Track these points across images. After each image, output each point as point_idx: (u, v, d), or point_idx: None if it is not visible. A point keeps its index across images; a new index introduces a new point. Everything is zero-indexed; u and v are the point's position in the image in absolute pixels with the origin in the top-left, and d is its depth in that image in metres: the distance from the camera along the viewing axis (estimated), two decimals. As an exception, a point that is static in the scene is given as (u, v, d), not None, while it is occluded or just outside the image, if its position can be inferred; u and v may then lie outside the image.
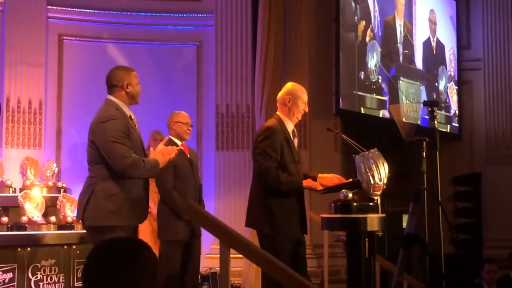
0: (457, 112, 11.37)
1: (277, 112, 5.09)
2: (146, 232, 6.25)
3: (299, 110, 5.01)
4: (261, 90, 8.32)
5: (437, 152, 5.68)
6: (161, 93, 8.64)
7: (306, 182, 4.90)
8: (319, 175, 5.03)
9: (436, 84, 11.01)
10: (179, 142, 5.83)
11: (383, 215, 4.67)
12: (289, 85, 5.18)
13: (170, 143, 5.70)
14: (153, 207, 5.96)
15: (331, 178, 4.99)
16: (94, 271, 1.98)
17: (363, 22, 9.32)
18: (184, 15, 9.06)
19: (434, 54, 11.12)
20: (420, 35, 10.79)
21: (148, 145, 6.45)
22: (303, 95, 5.06)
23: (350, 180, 4.78)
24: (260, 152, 4.86)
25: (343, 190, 4.60)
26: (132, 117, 4.66)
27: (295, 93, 5.04)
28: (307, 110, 5.12)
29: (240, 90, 8.70)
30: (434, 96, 10.63)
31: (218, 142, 8.64)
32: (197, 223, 5.22)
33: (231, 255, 3.26)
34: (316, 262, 7.97)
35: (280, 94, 5.16)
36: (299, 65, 8.76)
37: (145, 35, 8.89)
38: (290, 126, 5.02)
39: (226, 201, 8.40)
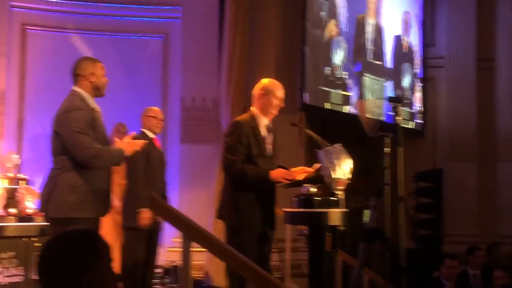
0: (420, 109, 11.49)
1: (251, 107, 5.10)
2: (109, 225, 6.22)
3: (272, 105, 5.00)
4: (227, 83, 8.32)
5: (401, 148, 5.76)
6: (126, 86, 8.57)
7: (277, 172, 4.86)
8: (291, 169, 5.03)
9: (401, 81, 11.11)
10: (152, 135, 6.04)
11: (346, 209, 4.70)
12: (264, 80, 5.18)
13: (143, 136, 5.83)
14: (115, 200, 5.95)
15: (301, 170, 4.98)
16: (47, 263, 1.98)
17: (330, 18, 9.36)
18: (151, 7, 8.99)
19: (404, 52, 11.23)
20: (391, 33, 10.87)
21: (111, 137, 6.44)
22: (277, 91, 5.05)
23: (314, 169, 4.78)
24: (226, 146, 4.88)
25: (306, 185, 4.62)
26: (97, 109, 4.63)
27: (267, 88, 5.04)
28: (282, 105, 5.11)
29: (206, 84, 8.68)
30: (399, 93, 10.74)
31: (183, 135, 8.62)
32: (158, 216, 5.21)
33: (194, 249, 3.26)
34: (278, 256, 7.99)
35: (254, 89, 5.16)
36: (265, 59, 8.76)
37: (110, 26, 8.81)
38: (264, 121, 5.01)
39: (190, 194, 8.38)
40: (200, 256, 6.77)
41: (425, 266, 8.38)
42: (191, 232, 3.16)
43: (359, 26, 10.03)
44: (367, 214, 9.23)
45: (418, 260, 8.76)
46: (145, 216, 5.70)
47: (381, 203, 4.19)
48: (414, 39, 11.51)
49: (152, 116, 6.15)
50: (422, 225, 10.65)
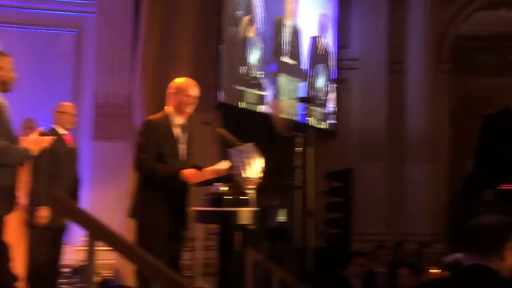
0: (334, 109, 11.70)
1: (165, 106, 5.07)
2: (14, 223, 6.06)
3: (184, 103, 4.98)
4: (141, 80, 8.24)
5: (311, 148, 5.85)
6: (36, 80, 8.36)
7: (189, 172, 4.85)
8: (203, 169, 5.02)
9: (316, 81, 11.28)
10: (63, 131, 5.97)
11: (256, 208, 4.73)
12: (178, 79, 5.17)
13: (51, 132, 5.74)
14: (22, 198, 5.80)
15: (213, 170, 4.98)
16: None
17: (246, 17, 9.41)
18: (64, 0, 8.80)
19: (319, 54, 11.39)
20: (307, 34, 11.01)
21: (19, 133, 6.30)
22: (191, 89, 5.03)
23: (225, 167, 4.79)
24: (138, 145, 4.85)
25: (217, 184, 4.63)
26: (4, 104, 4.50)
27: (180, 87, 5.02)
28: (196, 103, 5.10)
29: (120, 80, 8.56)
30: (313, 94, 10.89)
31: (95, 132, 8.47)
32: (60, 214, 5.11)
33: (104, 248, 3.22)
34: (189, 255, 7.97)
35: (168, 87, 5.14)
36: (180, 56, 8.71)
37: (21, 18, 8.55)
38: (178, 120, 4.98)
39: (102, 192, 8.25)
40: (110, 255, 6.67)
41: (334, 264, 8.54)
42: (96, 231, 3.12)
43: (276, 27, 10.12)
44: (283, 214, 9.37)
45: (328, 258, 8.92)
46: (43, 214, 5.62)
47: (288, 202, 4.24)
48: (330, 41, 11.71)
49: (64, 112, 6.05)
50: (332, 224, 10.86)
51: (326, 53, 11.60)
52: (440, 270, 6.70)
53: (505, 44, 13.17)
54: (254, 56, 9.49)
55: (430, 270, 6.59)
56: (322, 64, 11.48)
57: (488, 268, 2.58)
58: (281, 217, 9.26)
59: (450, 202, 11.96)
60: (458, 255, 8.47)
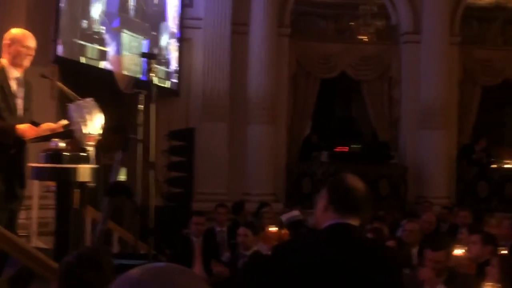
0: (177, 68, 11.62)
1: (1, 59, 4.79)
2: None
3: (20, 55, 4.76)
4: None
5: (153, 105, 5.79)
6: None
7: (25, 127, 4.64)
8: (41, 125, 4.82)
9: (159, 39, 11.12)
10: None
11: (96, 166, 4.62)
12: (13, 30, 4.90)
13: None
14: None
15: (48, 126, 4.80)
16: None
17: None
18: None
19: (163, 11, 11.21)
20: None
21: None
22: (26, 40, 4.80)
23: (63, 124, 4.64)
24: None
25: (55, 139, 4.46)
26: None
27: (15, 38, 4.79)
28: (32, 55, 4.86)
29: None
30: (156, 51, 10.74)
31: None
32: None
33: None
34: (24, 214, 7.67)
35: (3, 38, 4.86)
36: (15, 7, 8.24)
37: None
38: (14, 74, 4.75)
39: None
40: None
41: (175, 223, 8.57)
42: None
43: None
44: (123, 172, 9.20)
45: (168, 217, 8.94)
46: None
47: (128, 158, 4.17)
48: (175, -1, 11.56)
49: None
50: (174, 183, 10.86)
51: (170, 11, 11.44)
52: (277, 229, 6.91)
53: (342, 11, 13.65)
54: (96, 10, 9.18)
55: (268, 229, 6.77)
56: (166, 22, 11.32)
57: (349, 226, 2.72)
58: (122, 175, 9.11)
59: (288, 163, 12.34)
60: (294, 213, 8.81)
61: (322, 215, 2.78)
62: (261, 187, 11.44)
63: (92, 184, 4.65)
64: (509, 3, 13.92)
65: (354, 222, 2.75)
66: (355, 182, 2.79)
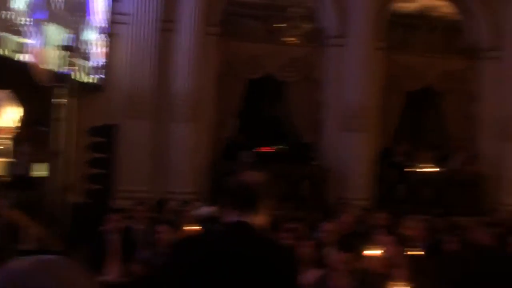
0: (102, 63, 11.44)
1: None
2: None
3: None
4: None
5: (73, 100, 5.70)
6: None
7: None
8: None
9: (84, 33, 10.93)
10: None
11: (10, 159, 4.52)
12: None
13: None
14: None
15: None
16: None
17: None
18: None
19: (90, 5, 11.02)
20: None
21: None
22: None
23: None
24: None
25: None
26: None
27: None
28: None
29: None
30: (79, 45, 10.54)
31: None
32: None
33: None
34: None
35: None
36: None
37: None
38: None
39: None
40: None
41: (92, 220, 8.42)
42: None
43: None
44: (44, 168, 9.01)
45: (86, 214, 8.78)
46: None
47: (35, 151, 4.09)
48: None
49: None
50: (94, 179, 10.66)
51: (97, 5, 11.26)
52: (193, 227, 6.88)
53: (271, 12, 13.73)
54: (20, 2, 8.95)
55: (185, 227, 6.75)
56: (92, 16, 11.14)
57: (245, 223, 2.71)
58: (42, 171, 8.91)
59: (212, 162, 12.32)
60: (205, 209, 8.82)
61: (225, 212, 2.81)
62: (183, 185, 11.40)
63: (6, 179, 4.55)
64: (433, 11, 14.32)
65: (253, 217, 2.73)
66: (251, 178, 2.79)
